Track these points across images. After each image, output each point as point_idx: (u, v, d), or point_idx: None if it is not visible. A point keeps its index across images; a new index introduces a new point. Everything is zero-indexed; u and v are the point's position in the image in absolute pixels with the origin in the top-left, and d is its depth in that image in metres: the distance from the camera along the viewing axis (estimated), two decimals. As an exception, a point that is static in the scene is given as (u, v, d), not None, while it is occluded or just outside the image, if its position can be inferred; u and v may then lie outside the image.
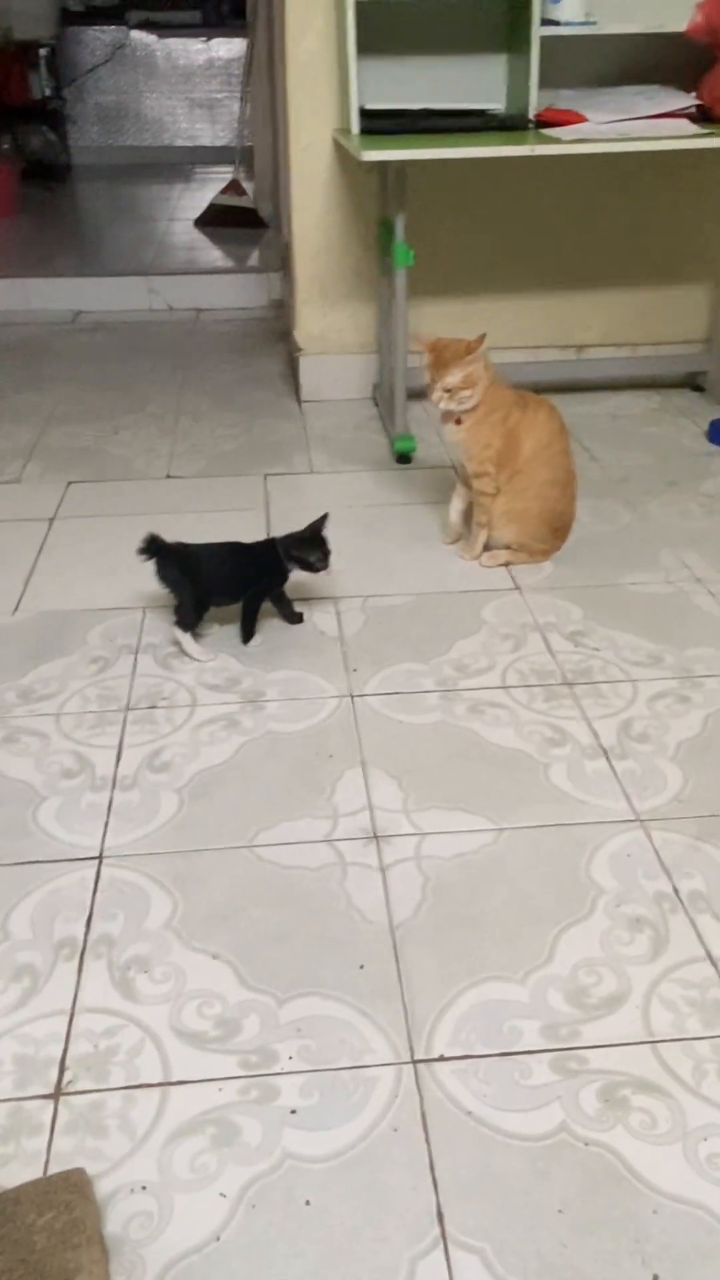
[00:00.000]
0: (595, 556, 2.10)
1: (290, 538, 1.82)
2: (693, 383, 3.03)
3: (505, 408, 1.95)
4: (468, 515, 2.14)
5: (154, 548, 1.79)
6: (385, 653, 1.79)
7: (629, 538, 2.18)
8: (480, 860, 1.34)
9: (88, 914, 1.26)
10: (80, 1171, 0.94)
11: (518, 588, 1.99)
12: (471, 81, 2.66)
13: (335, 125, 2.70)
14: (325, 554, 1.81)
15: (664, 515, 2.28)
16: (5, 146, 5.92)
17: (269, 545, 1.84)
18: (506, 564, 2.08)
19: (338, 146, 2.72)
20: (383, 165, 2.61)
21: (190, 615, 1.79)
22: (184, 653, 1.79)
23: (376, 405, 2.97)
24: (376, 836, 1.38)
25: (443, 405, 1.91)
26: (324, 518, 1.83)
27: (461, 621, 1.88)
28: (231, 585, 1.82)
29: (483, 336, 1.89)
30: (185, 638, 1.78)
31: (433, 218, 2.82)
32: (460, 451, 2.01)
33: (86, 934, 1.24)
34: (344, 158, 2.74)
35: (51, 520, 2.28)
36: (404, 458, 2.59)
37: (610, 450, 2.62)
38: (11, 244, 4.82)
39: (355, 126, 2.48)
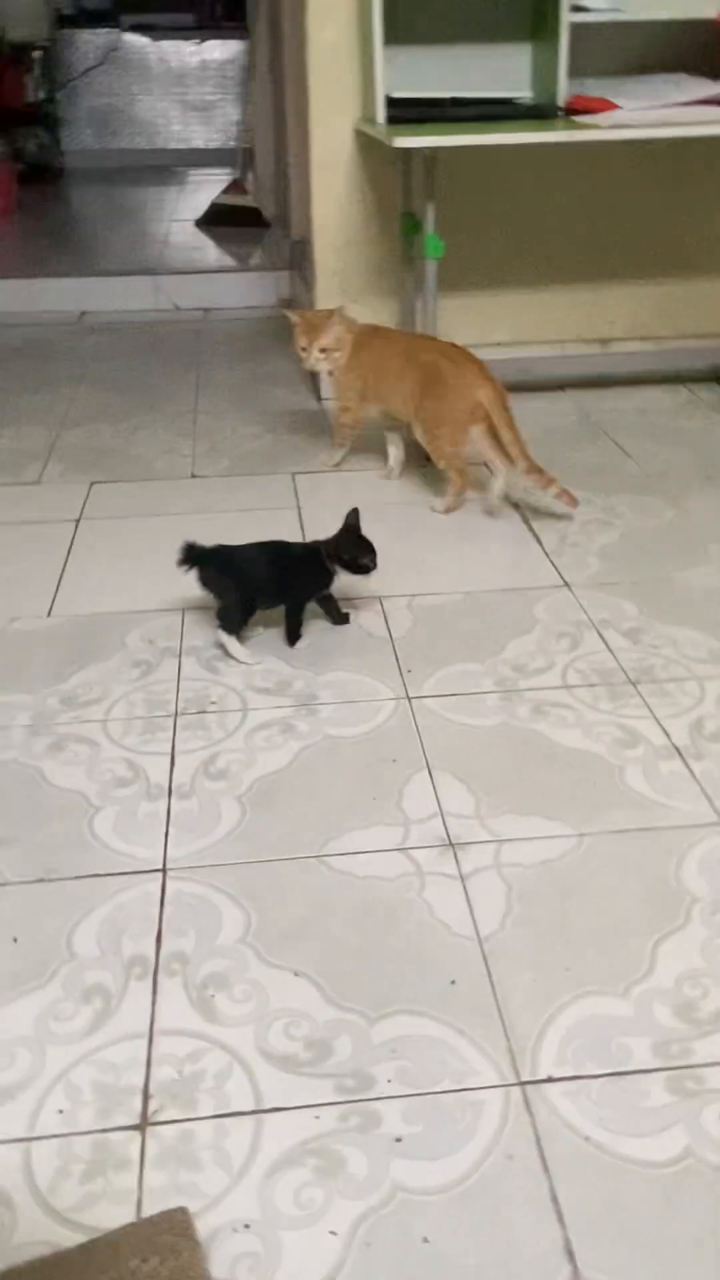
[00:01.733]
0: (642, 553, 2.05)
1: (334, 541, 1.76)
2: (718, 376, 2.99)
3: (358, 355, 2.29)
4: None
5: (194, 555, 1.72)
6: (438, 653, 1.73)
7: (674, 533, 2.12)
8: (564, 868, 1.28)
9: (157, 930, 1.20)
10: (183, 1211, 0.88)
11: (566, 584, 1.94)
12: (497, 70, 2.61)
13: (357, 116, 2.64)
14: (373, 552, 1.75)
15: (707, 510, 2.23)
16: (1, 149, 5.85)
17: (313, 550, 1.78)
18: (456, 497, 2.26)
19: (359, 138, 2.67)
20: (408, 155, 2.57)
21: (235, 618, 1.72)
22: (229, 656, 1.72)
23: (399, 402, 2.91)
24: (452, 844, 1.32)
25: (320, 366, 2.28)
26: (354, 513, 1.77)
27: (513, 620, 1.82)
28: (275, 587, 1.76)
29: (340, 307, 2.32)
30: (230, 640, 1.72)
31: (455, 210, 2.76)
32: (334, 397, 2.41)
33: (158, 951, 1.17)
34: (365, 150, 2.69)
35: (77, 521, 2.22)
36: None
37: (643, 445, 2.57)
38: (12, 244, 4.75)
39: (381, 116, 2.43)
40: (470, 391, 2.17)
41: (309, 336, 2.26)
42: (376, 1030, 1.07)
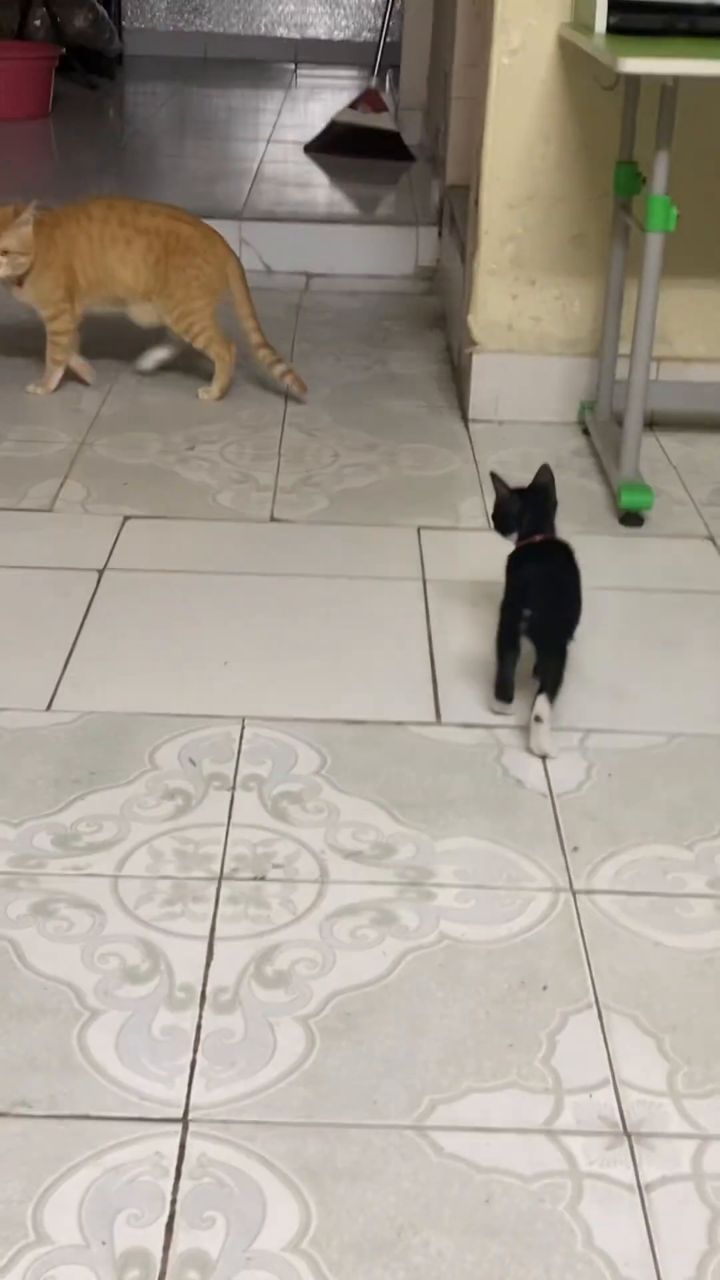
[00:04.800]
0: None
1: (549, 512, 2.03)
2: None
3: (55, 249, 2.94)
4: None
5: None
6: (623, 825, 1.73)
7: None
8: None
9: (168, 1214, 1.20)
10: None
11: None
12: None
13: (565, 19, 2.75)
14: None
15: None
16: (38, 23, 6.23)
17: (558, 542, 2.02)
18: (228, 376, 3.10)
19: (563, 50, 2.78)
20: (634, 83, 2.65)
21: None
22: (534, 749, 1.87)
23: (587, 434, 2.97)
24: (629, 1134, 1.30)
25: (2, 272, 2.88)
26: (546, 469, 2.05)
27: (742, 788, 1.82)
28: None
29: (28, 205, 2.88)
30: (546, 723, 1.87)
31: (693, 166, 2.83)
32: (34, 306, 3.01)
33: (166, 1248, 1.17)
34: (569, 68, 2.79)
35: (100, 572, 2.30)
36: (633, 517, 2.56)
37: None
38: (41, 161, 5.03)
39: (602, 23, 2.53)
40: (223, 262, 3.02)
41: None
42: None
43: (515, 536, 2.00)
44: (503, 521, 2.01)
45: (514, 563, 1.99)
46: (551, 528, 2.01)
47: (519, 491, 2.01)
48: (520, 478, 2.10)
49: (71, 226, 2.96)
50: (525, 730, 1.89)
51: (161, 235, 2.97)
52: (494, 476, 2.04)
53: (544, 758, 1.86)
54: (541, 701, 1.86)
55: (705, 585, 2.35)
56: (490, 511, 2.06)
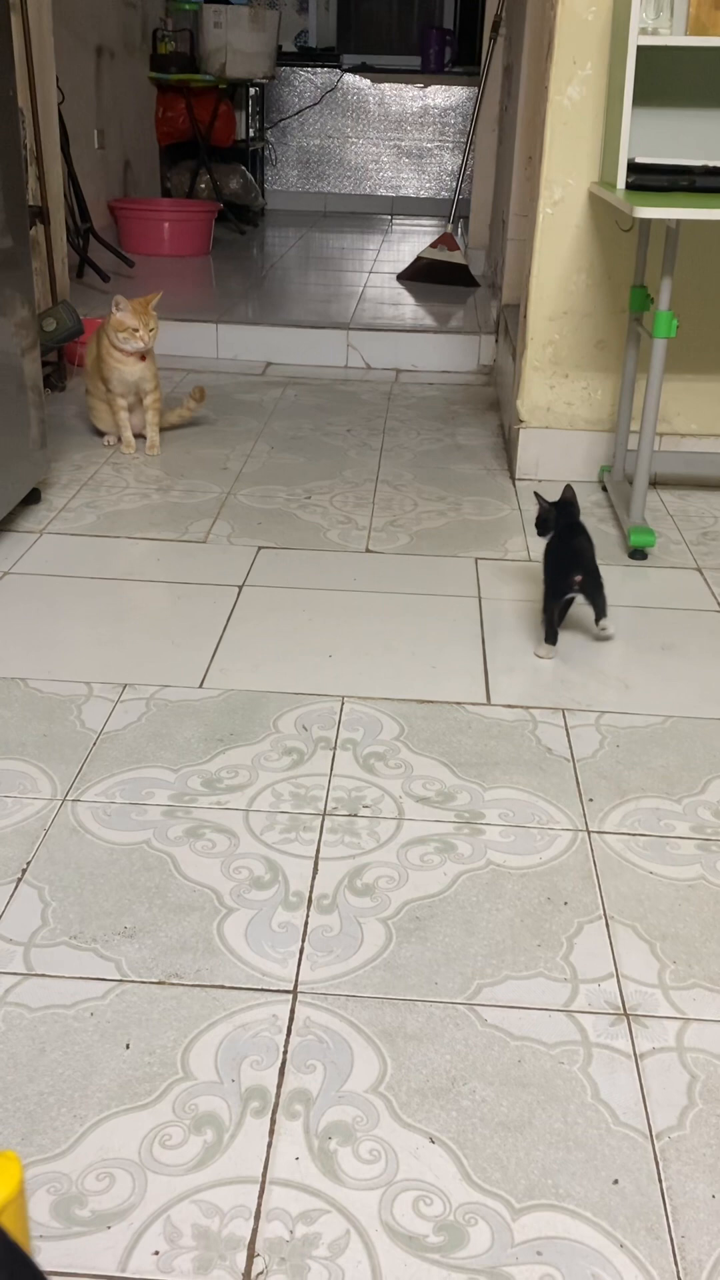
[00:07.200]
0: None
1: (576, 515, 2.13)
2: None
3: None
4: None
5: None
6: (626, 783, 1.70)
7: None
8: (761, 1064, 1.21)
9: (280, 1061, 1.20)
10: None
11: (786, 722, 1.87)
12: (758, 139, 2.64)
13: (594, 179, 2.72)
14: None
15: None
16: (203, 185, 6.29)
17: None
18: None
19: (592, 203, 2.74)
20: (646, 226, 2.61)
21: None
22: (604, 636, 2.11)
23: (604, 490, 2.92)
24: (627, 1014, 1.27)
25: (146, 344, 2.89)
26: (569, 488, 2.16)
27: (719, 755, 1.77)
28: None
29: (157, 294, 2.96)
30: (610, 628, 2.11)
31: (690, 287, 2.79)
32: (143, 379, 2.97)
33: (279, 1086, 1.17)
34: (597, 215, 2.75)
35: (240, 587, 2.30)
36: (639, 553, 2.52)
37: None
38: (203, 287, 5.07)
39: (622, 181, 2.49)
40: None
41: (143, 318, 2.86)
42: (520, 1225, 1.03)
43: (552, 535, 2.10)
44: (543, 525, 2.12)
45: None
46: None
47: (554, 504, 2.12)
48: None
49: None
50: (562, 703, 1.87)
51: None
52: (536, 495, 2.17)
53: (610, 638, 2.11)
54: (604, 621, 2.10)
55: (693, 605, 2.31)
56: (535, 518, 2.14)
